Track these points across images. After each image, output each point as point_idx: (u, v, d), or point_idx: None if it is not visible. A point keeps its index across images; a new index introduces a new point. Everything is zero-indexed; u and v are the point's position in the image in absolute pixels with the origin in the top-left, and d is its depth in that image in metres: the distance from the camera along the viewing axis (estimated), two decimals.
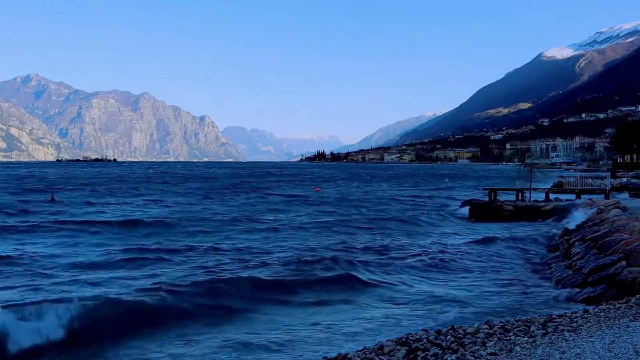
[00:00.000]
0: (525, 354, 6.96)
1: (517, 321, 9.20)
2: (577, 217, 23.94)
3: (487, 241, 22.09)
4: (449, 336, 8.34)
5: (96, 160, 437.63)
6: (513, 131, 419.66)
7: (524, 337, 7.93)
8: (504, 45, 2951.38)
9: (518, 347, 7.32)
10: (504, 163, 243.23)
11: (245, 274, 14.53)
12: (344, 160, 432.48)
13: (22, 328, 9.50)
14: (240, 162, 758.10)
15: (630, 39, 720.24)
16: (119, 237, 22.36)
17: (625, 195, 38.56)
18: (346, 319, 11.23)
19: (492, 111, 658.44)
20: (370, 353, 7.79)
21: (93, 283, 13.43)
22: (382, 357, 7.61)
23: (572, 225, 21.65)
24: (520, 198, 35.51)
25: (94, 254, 18.24)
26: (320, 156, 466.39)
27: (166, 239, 21.90)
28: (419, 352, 7.68)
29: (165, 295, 11.99)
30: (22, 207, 33.97)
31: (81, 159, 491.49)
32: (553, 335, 7.89)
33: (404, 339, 8.28)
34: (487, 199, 35.72)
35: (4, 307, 10.09)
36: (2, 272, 14.77)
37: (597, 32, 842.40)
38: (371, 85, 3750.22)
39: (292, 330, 10.53)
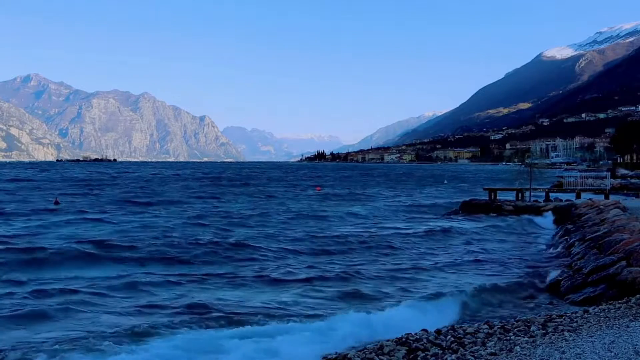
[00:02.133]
0: (525, 354, 6.95)
1: (517, 321, 9.20)
2: None
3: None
4: (449, 336, 8.35)
5: (96, 160, 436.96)
6: (513, 131, 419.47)
7: (524, 337, 7.93)
8: (504, 45, 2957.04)
9: (518, 347, 7.32)
10: (504, 163, 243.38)
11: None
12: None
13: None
14: (240, 161, 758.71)
15: (630, 39, 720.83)
16: None
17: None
18: None
19: (492, 111, 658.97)
20: (370, 353, 7.79)
21: None
22: (382, 357, 7.61)
23: None
24: (520, 198, 35.49)
25: None
26: (320, 156, 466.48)
27: None
28: (419, 352, 7.68)
29: None
30: None
31: (81, 159, 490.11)
32: (553, 335, 7.88)
33: (403, 339, 8.29)
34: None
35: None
36: None
37: (597, 32, 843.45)
38: (371, 85, 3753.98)
39: None
